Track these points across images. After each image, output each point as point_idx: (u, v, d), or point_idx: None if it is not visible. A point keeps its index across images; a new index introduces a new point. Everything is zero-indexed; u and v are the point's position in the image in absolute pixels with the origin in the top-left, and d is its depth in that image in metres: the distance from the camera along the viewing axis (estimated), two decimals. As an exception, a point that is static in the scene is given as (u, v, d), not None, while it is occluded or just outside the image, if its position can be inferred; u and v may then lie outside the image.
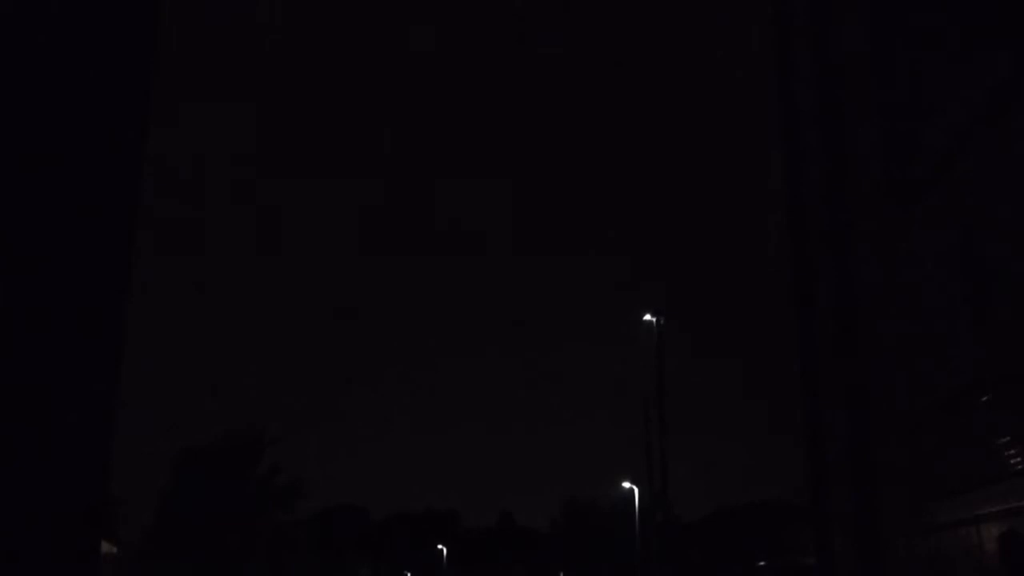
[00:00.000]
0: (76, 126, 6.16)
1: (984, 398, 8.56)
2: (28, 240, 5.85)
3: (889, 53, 11.15)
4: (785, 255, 13.97)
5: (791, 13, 14.12)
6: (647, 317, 35.81)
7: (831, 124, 12.59)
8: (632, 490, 48.04)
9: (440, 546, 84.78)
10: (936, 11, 9.94)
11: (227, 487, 47.87)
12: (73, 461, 5.77)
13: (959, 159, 9.13)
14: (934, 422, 9.59)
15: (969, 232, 8.93)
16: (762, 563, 42.30)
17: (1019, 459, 7.98)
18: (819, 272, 12.79)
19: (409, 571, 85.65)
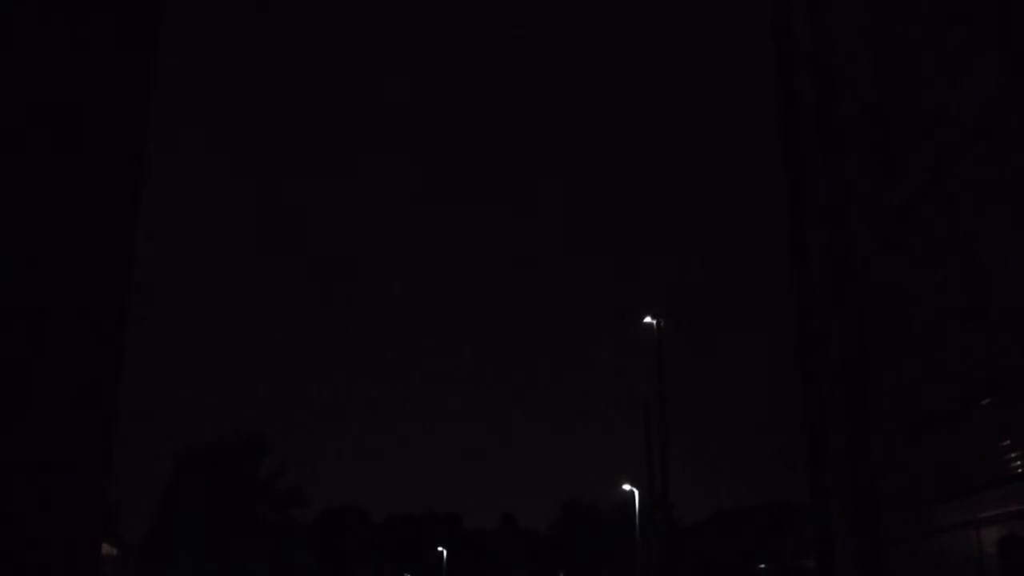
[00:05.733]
0: (78, 127, 6.17)
1: (985, 401, 8.57)
2: (29, 241, 5.85)
3: (890, 58, 11.16)
4: (786, 256, 13.98)
5: (791, 10, 14.13)
6: (647, 319, 35.81)
7: (832, 127, 12.60)
8: (632, 492, 47.99)
9: (440, 548, 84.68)
10: (935, 17, 9.95)
11: (228, 489, 47.85)
12: (74, 461, 5.77)
13: (958, 162, 9.14)
14: (934, 425, 9.59)
15: (969, 235, 8.94)
16: (762, 566, 42.21)
17: (1020, 462, 7.98)
18: (820, 273, 12.79)
19: (409, 573, 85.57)
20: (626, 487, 49.35)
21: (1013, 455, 8.08)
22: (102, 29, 6.09)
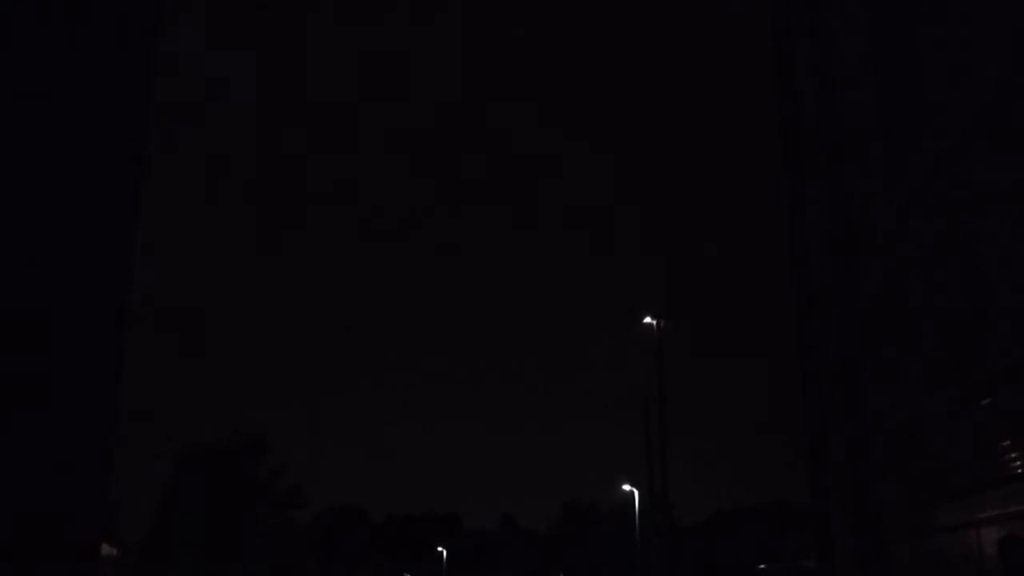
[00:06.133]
0: (78, 128, 6.16)
1: (985, 401, 8.56)
2: (29, 241, 5.85)
3: (890, 59, 11.16)
4: (786, 256, 13.98)
5: (790, 11, 14.13)
6: (647, 319, 35.79)
7: (832, 127, 12.60)
8: (632, 492, 47.99)
9: (440, 548, 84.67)
10: (935, 17, 9.95)
11: (228, 489, 47.84)
12: (73, 461, 5.77)
13: (959, 160, 9.13)
14: (934, 425, 9.58)
15: (969, 234, 8.93)
16: (762, 566, 42.23)
17: (1020, 463, 7.98)
18: (820, 273, 12.79)
19: (409, 573, 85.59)
20: (626, 487, 49.36)
21: (1013, 455, 8.07)
22: (102, 30, 6.09)
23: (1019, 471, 7.97)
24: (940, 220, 9.57)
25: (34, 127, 5.76)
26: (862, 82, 11.84)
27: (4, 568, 5.08)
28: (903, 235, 10.48)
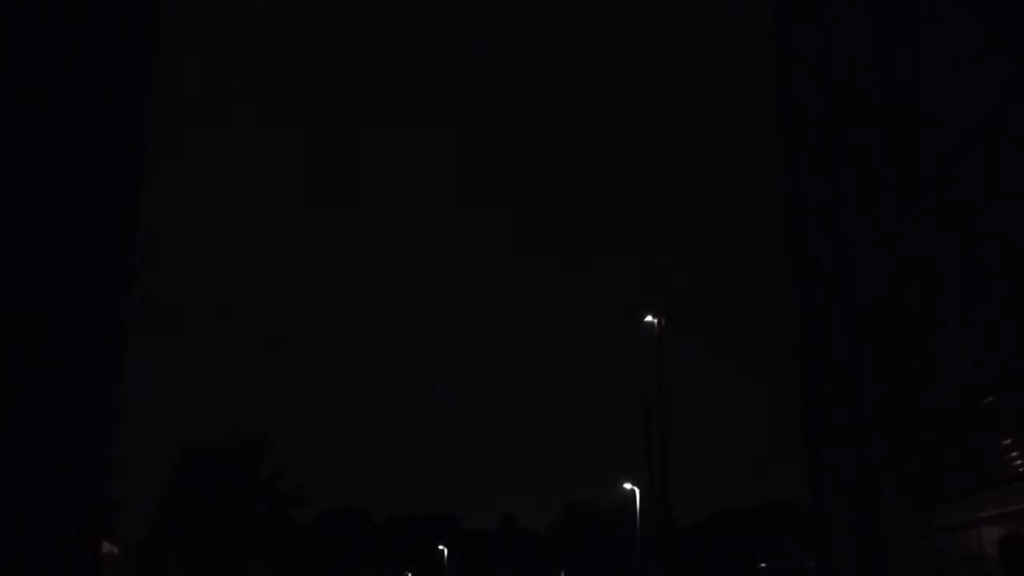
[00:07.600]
0: (78, 128, 6.17)
1: (985, 400, 8.56)
2: (29, 241, 5.86)
3: (890, 59, 11.16)
4: (787, 257, 13.98)
5: (790, 11, 14.13)
6: (648, 318, 35.75)
7: (832, 127, 12.59)
8: (633, 492, 48.00)
9: (441, 548, 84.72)
10: (935, 17, 9.95)
11: (228, 489, 47.90)
12: (74, 461, 5.77)
13: (958, 162, 9.13)
14: (934, 424, 9.58)
15: (968, 235, 8.93)
16: (763, 565, 42.26)
17: (1020, 462, 7.98)
18: (821, 274, 12.79)
19: (410, 572, 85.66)
20: (627, 487, 49.33)
21: (1013, 455, 8.08)
22: (102, 30, 6.09)
23: (1020, 470, 7.98)
24: (940, 220, 9.57)
25: (34, 127, 5.77)
26: (862, 82, 11.84)
27: (5, 568, 5.08)
28: (903, 235, 10.48)
